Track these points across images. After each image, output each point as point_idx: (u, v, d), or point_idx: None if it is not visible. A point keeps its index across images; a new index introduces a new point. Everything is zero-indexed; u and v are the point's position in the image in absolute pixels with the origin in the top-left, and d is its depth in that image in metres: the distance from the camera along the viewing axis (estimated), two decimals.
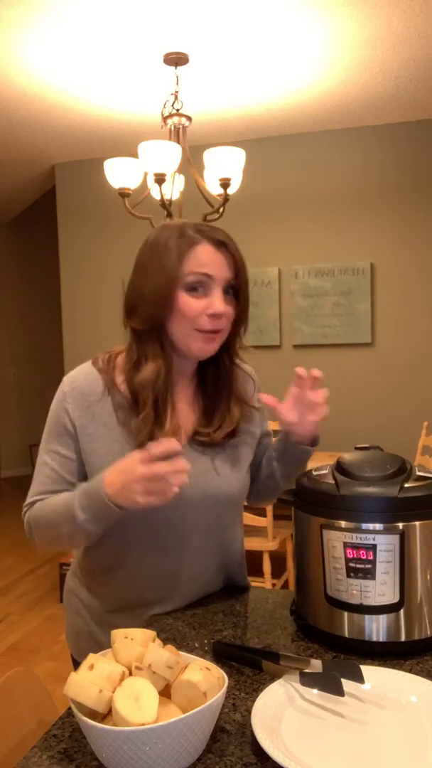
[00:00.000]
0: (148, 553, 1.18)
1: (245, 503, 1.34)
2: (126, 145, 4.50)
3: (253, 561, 2.86)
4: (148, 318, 1.12)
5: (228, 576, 1.30)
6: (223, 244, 1.11)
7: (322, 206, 4.48)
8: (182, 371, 1.20)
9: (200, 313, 1.10)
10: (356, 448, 1.16)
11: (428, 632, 1.01)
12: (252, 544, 3.08)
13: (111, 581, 1.21)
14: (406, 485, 1.02)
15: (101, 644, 1.20)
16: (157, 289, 1.11)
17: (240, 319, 1.17)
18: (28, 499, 1.17)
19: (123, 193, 3.19)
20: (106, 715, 0.76)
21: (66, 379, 1.20)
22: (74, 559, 1.32)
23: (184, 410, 1.20)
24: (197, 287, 1.10)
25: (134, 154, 3.10)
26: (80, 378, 1.18)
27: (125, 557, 1.18)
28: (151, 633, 0.87)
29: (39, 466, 1.18)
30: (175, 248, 1.10)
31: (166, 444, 0.97)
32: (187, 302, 1.10)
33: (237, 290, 1.14)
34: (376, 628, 1.00)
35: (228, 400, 1.21)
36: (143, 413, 1.12)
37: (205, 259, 1.10)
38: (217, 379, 1.21)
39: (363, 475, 1.04)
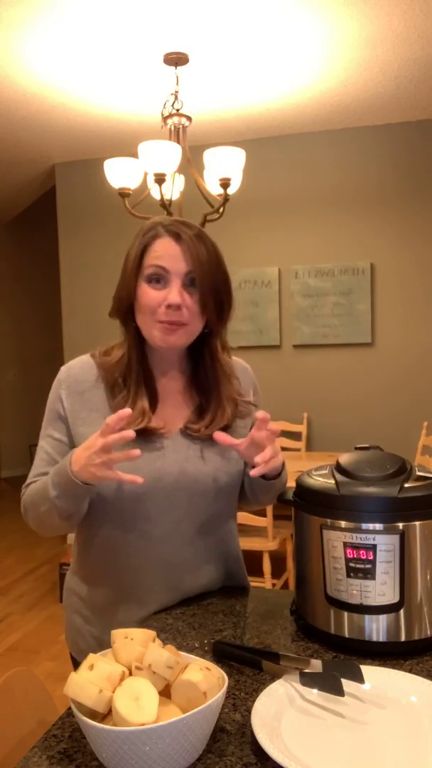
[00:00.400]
0: (144, 541, 1.19)
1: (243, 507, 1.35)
2: (126, 145, 4.50)
3: (253, 561, 2.86)
4: (119, 309, 1.20)
5: (227, 573, 1.30)
6: (179, 237, 1.14)
7: (322, 206, 4.48)
8: (166, 362, 1.23)
9: (159, 303, 1.14)
10: (356, 448, 1.16)
11: (428, 632, 1.01)
12: (252, 544, 3.08)
13: (110, 571, 1.22)
14: (406, 485, 1.02)
15: (101, 643, 1.20)
16: (124, 280, 1.18)
17: (215, 315, 1.18)
18: (25, 483, 1.24)
19: (123, 193, 3.19)
20: (106, 715, 0.76)
21: (63, 368, 1.26)
22: (74, 556, 1.32)
23: (177, 402, 1.23)
24: (156, 279, 1.14)
25: (134, 154, 3.10)
26: (76, 366, 1.24)
27: (122, 546, 1.19)
28: (151, 633, 0.87)
29: (37, 451, 1.24)
30: (137, 243, 1.16)
31: (119, 414, 1.00)
32: (146, 293, 1.15)
33: (197, 283, 1.15)
34: (376, 628, 1.00)
35: (219, 398, 1.23)
36: (116, 399, 1.18)
37: (162, 251, 1.14)
38: (206, 377, 1.24)
39: (363, 475, 1.04)
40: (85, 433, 1.17)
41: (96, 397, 1.20)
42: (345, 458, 1.10)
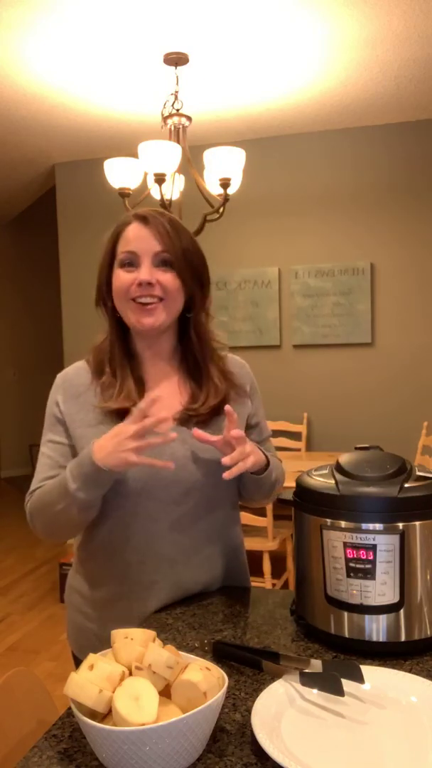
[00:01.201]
0: (145, 535, 1.19)
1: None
2: (126, 145, 4.50)
3: (253, 561, 2.86)
4: (98, 298, 1.26)
5: (228, 568, 1.30)
6: (146, 220, 1.18)
7: (322, 206, 4.48)
8: (154, 350, 1.25)
9: (131, 283, 1.17)
10: (356, 448, 1.16)
11: (428, 632, 1.01)
12: (252, 544, 3.08)
13: (111, 568, 1.22)
14: (406, 485, 1.02)
15: (102, 641, 1.20)
16: (101, 271, 1.24)
17: (195, 290, 1.22)
18: (30, 490, 1.23)
19: (123, 193, 3.19)
20: (106, 715, 0.76)
21: (59, 375, 1.29)
22: (76, 553, 1.32)
23: (171, 391, 1.24)
24: (129, 263, 1.18)
25: (134, 154, 3.10)
26: (71, 372, 1.27)
27: (123, 541, 1.20)
28: (151, 633, 0.87)
29: (39, 459, 1.25)
30: (111, 233, 1.22)
31: (150, 397, 1.05)
32: (119, 276, 1.19)
33: (171, 262, 1.18)
34: (376, 628, 1.00)
35: (209, 375, 1.24)
36: (101, 380, 1.21)
37: (132, 237, 1.18)
38: (195, 360, 1.26)
39: (363, 475, 1.04)
40: (84, 434, 1.19)
41: (91, 398, 1.22)
42: (345, 458, 1.10)
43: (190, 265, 1.19)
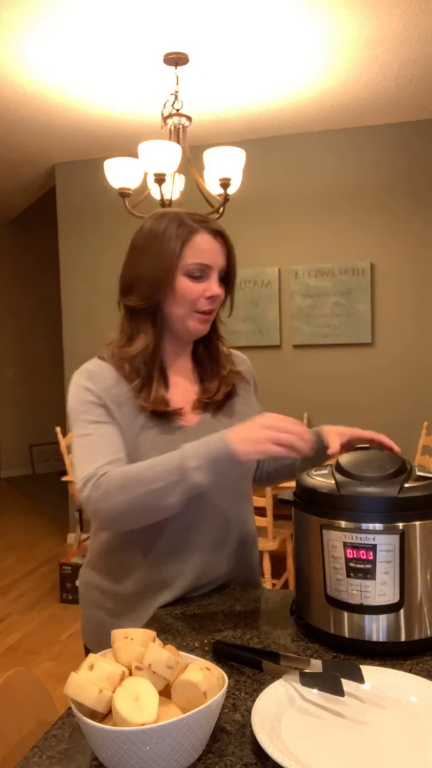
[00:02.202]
0: (174, 526, 1.20)
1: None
2: (126, 145, 4.50)
3: None
4: (147, 298, 1.21)
5: (244, 559, 1.32)
6: (219, 234, 1.22)
7: (322, 206, 4.48)
8: (177, 351, 1.29)
9: (200, 296, 1.21)
10: (356, 448, 1.16)
11: (428, 632, 1.01)
12: None
13: (140, 560, 1.23)
14: (406, 485, 1.02)
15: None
16: (157, 272, 1.20)
17: (224, 300, 1.29)
18: (94, 470, 1.11)
19: (123, 193, 3.19)
20: (106, 715, 0.76)
21: (79, 372, 1.24)
22: (92, 551, 1.34)
23: (186, 386, 1.29)
24: (197, 274, 1.20)
25: (134, 154, 3.10)
26: (93, 368, 1.24)
27: (152, 534, 1.20)
28: (151, 633, 0.87)
29: (83, 443, 1.16)
30: (174, 236, 1.19)
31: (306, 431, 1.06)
32: (188, 287, 1.20)
33: (227, 276, 1.25)
34: (376, 628, 1.00)
35: (219, 368, 1.31)
36: (134, 383, 1.20)
37: (205, 248, 1.20)
38: (209, 356, 1.32)
39: (363, 475, 1.04)
40: (125, 425, 1.19)
41: (122, 393, 1.20)
42: (345, 458, 1.10)
43: (232, 280, 1.27)
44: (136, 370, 1.21)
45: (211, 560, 1.26)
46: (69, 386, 1.23)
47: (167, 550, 1.22)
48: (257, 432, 1.03)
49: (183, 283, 1.20)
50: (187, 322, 1.22)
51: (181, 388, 1.27)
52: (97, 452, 1.14)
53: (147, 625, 1.15)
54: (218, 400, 1.27)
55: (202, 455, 1.04)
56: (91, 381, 1.20)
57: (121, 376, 1.21)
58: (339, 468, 1.08)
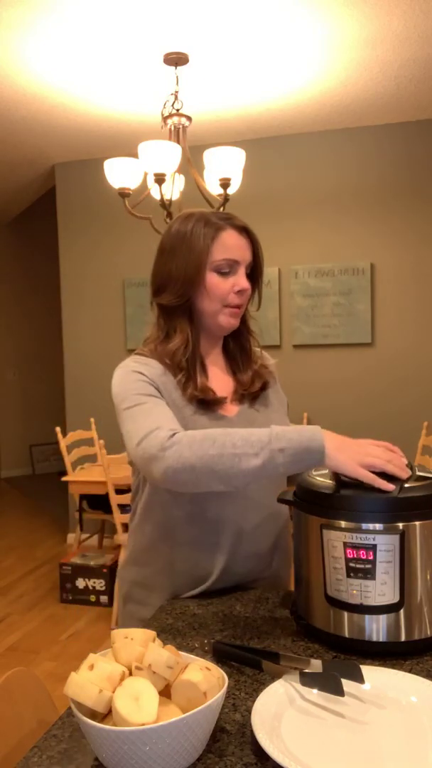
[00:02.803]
0: (219, 514, 1.25)
1: None
2: (126, 145, 4.50)
3: None
4: (179, 295, 1.26)
5: (278, 554, 1.34)
6: (245, 230, 1.26)
7: (322, 206, 4.48)
8: (211, 346, 1.34)
9: (229, 290, 1.25)
10: None
11: (428, 632, 1.01)
12: None
13: (190, 552, 1.27)
14: (406, 485, 1.02)
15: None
16: (187, 270, 1.24)
17: (252, 296, 1.33)
18: (158, 425, 1.11)
19: (123, 193, 3.19)
20: (106, 715, 0.76)
21: (123, 365, 1.26)
22: (128, 550, 1.36)
23: (222, 378, 1.34)
24: (225, 270, 1.25)
25: (134, 154, 3.10)
26: (140, 359, 1.27)
27: (200, 523, 1.25)
28: (151, 633, 0.87)
29: (143, 408, 1.16)
30: (202, 235, 1.23)
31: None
32: (217, 283, 1.25)
33: (254, 270, 1.30)
34: (376, 628, 1.00)
35: (251, 362, 1.37)
36: (178, 377, 1.25)
37: (232, 244, 1.24)
38: (241, 349, 1.37)
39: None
40: (174, 409, 1.22)
41: (170, 381, 1.25)
42: None
43: (259, 274, 1.31)
44: (177, 364, 1.25)
45: (250, 548, 1.28)
46: (113, 379, 1.25)
47: (208, 542, 1.26)
48: (355, 449, 1.02)
49: (212, 279, 1.24)
50: (218, 317, 1.27)
51: (220, 380, 1.33)
52: (156, 415, 1.14)
53: (147, 626, 1.15)
54: (254, 392, 1.32)
55: (291, 440, 1.03)
56: (141, 368, 1.24)
57: (166, 369, 1.26)
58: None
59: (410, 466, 1.08)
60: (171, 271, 1.25)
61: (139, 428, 1.12)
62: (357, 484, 1.02)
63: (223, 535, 1.26)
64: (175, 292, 1.25)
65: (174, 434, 1.09)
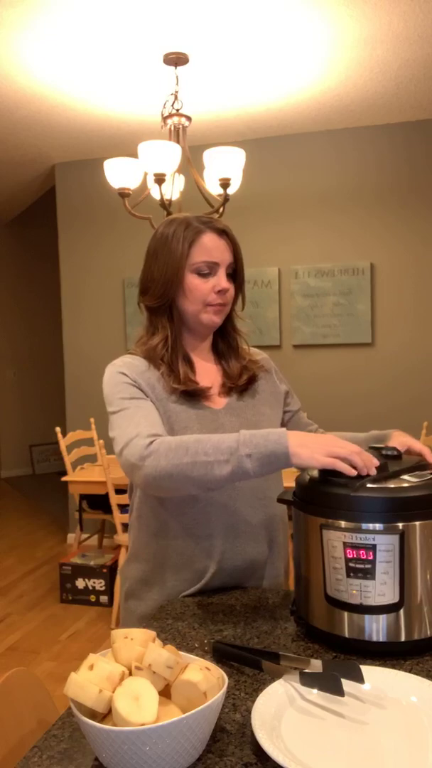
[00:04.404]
0: (211, 507, 1.27)
1: None
2: (126, 145, 4.50)
3: None
4: (160, 296, 1.31)
5: (272, 550, 1.34)
6: (224, 233, 1.30)
7: (321, 206, 4.48)
8: (197, 341, 1.37)
9: (209, 291, 1.29)
10: (371, 448, 1.16)
11: (428, 632, 1.01)
12: None
13: (186, 545, 1.28)
14: (405, 485, 1.02)
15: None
16: (168, 272, 1.29)
17: (236, 295, 1.37)
18: (137, 432, 1.16)
19: (123, 193, 3.19)
20: (106, 715, 0.76)
21: (111, 365, 1.32)
22: (129, 547, 1.38)
23: (209, 371, 1.37)
24: (205, 271, 1.29)
25: (134, 154, 3.10)
26: (126, 359, 1.33)
27: (192, 515, 1.28)
28: (151, 633, 0.87)
29: (125, 414, 1.22)
30: (182, 238, 1.28)
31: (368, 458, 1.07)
32: (197, 284, 1.29)
33: (235, 271, 1.33)
34: (376, 628, 1.00)
35: (239, 357, 1.40)
36: (161, 369, 1.30)
37: (211, 247, 1.28)
38: (228, 347, 1.41)
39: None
40: (159, 405, 1.28)
41: (153, 376, 1.30)
42: None
43: (241, 276, 1.35)
44: (160, 357, 1.31)
45: (246, 544, 1.30)
46: (103, 377, 1.31)
47: (201, 533, 1.27)
48: (318, 442, 1.05)
49: (192, 281, 1.29)
50: (200, 315, 1.31)
51: (207, 373, 1.36)
52: (137, 420, 1.21)
53: (147, 626, 1.15)
54: (241, 385, 1.36)
55: (257, 445, 1.07)
56: (124, 368, 1.30)
57: (150, 364, 1.31)
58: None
59: (385, 467, 1.06)
60: (153, 273, 1.31)
61: (122, 436, 1.19)
62: (324, 479, 1.04)
63: (215, 527, 1.27)
64: (156, 294, 1.31)
65: (152, 442, 1.14)
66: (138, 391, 1.27)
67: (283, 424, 1.46)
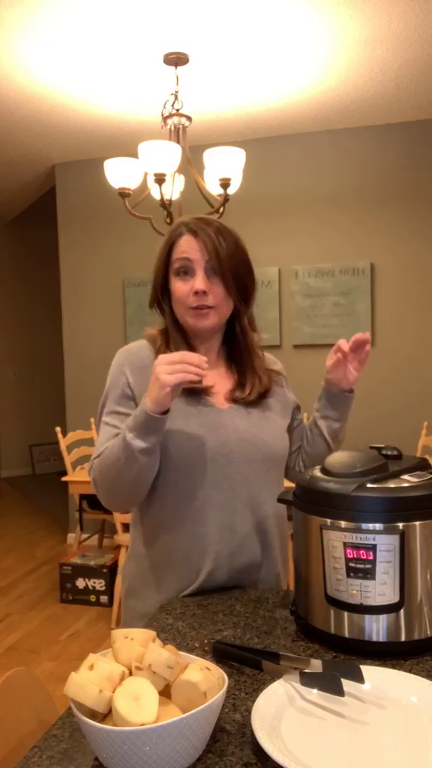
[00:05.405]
0: (209, 506, 1.27)
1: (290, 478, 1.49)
2: (126, 145, 4.50)
3: None
4: (155, 298, 1.36)
5: (269, 550, 1.34)
6: (196, 233, 1.29)
7: (322, 206, 4.48)
8: (206, 346, 1.36)
9: (188, 293, 1.29)
10: (371, 448, 1.16)
11: (428, 632, 1.01)
12: None
13: (179, 544, 1.29)
14: (405, 485, 1.02)
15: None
16: (157, 276, 1.34)
17: (239, 297, 1.33)
18: (93, 457, 1.30)
19: (123, 193, 3.19)
20: (106, 715, 0.76)
21: (121, 350, 1.37)
22: (132, 544, 1.39)
23: (221, 379, 1.36)
24: (183, 271, 1.29)
25: (134, 154, 3.10)
26: (134, 347, 1.36)
27: (188, 514, 1.28)
28: (151, 633, 0.87)
29: (102, 429, 1.32)
30: (166, 240, 1.32)
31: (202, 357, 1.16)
32: (179, 286, 1.30)
33: (217, 271, 1.29)
34: (376, 628, 1.00)
35: (254, 368, 1.38)
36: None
37: (185, 246, 1.29)
38: (240, 353, 1.39)
39: (354, 472, 1.04)
40: None
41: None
42: (338, 458, 1.10)
43: (234, 274, 1.30)
44: (165, 343, 1.33)
45: (242, 544, 1.30)
46: (113, 361, 1.35)
47: (198, 533, 1.27)
48: (153, 381, 1.14)
49: (175, 284, 1.31)
50: (186, 318, 1.32)
51: (211, 375, 1.34)
52: (103, 439, 1.29)
53: (147, 626, 1.15)
54: (250, 400, 1.34)
55: (132, 426, 1.18)
56: (128, 360, 1.33)
57: (159, 351, 1.31)
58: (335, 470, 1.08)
59: (385, 467, 1.07)
60: (153, 275, 1.36)
61: (93, 455, 1.30)
62: (355, 482, 1.03)
63: (212, 526, 1.27)
64: (155, 296, 1.36)
65: (91, 471, 1.29)
66: (127, 402, 1.30)
67: (291, 431, 1.46)
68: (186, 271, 1.29)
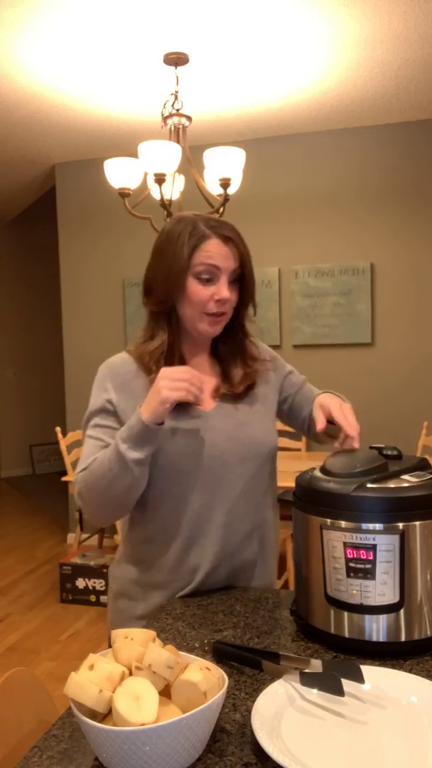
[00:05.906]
0: (204, 509, 1.26)
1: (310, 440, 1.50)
2: (126, 145, 4.50)
3: None
4: (162, 300, 1.28)
5: (264, 552, 1.34)
6: (229, 239, 1.26)
7: (322, 206, 4.48)
8: (194, 350, 1.35)
9: (209, 299, 1.25)
10: (371, 448, 1.16)
11: (428, 632, 1.01)
12: None
13: (174, 545, 1.28)
14: (405, 485, 1.02)
15: None
16: (170, 275, 1.26)
17: (245, 301, 1.33)
18: (79, 470, 1.26)
19: (123, 193, 3.19)
20: (106, 715, 0.76)
21: (103, 365, 1.35)
22: (122, 546, 1.38)
23: (206, 376, 1.34)
24: (206, 276, 1.25)
25: (134, 154, 3.10)
26: (116, 361, 1.34)
27: (184, 517, 1.27)
28: (151, 633, 0.87)
29: (86, 442, 1.29)
30: (187, 241, 1.24)
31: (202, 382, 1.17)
32: (197, 290, 1.25)
33: (241, 279, 1.29)
34: (376, 628, 1.00)
35: (243, 361, 1.37)
36: (151, 375, 1.26)
37: (213, 252, 1.24)
38: (230, 349, 1.37)
39: (354, 472, 1.04)
40: None
41: (139, 386, 1.29)
42: (337, 460, 1.10)
43: (249, 282, 1.30)
44: (155, 362, 1.28)
45: (240, 544, 1.29)
46: (96, 375, 1.34)
47: (195, 534, 1.27)
48: (154, 393, 1.15)
49: (193, 287, 1.25)
50: (197, 323, 1.28)
51: (199, 368, 1.33)
52: (88, 452, 1.26)
53: (147, 625, 1.15)
54: (239, 393, 1.33)
55: (126, 437, 1.17)
56: (110, 377, 1.31)
57: (141, 368, 1.30)
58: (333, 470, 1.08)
59: (385, 467, 1.07)
60: (157, 274, 1.28)
61: (78, 468, 1.27)
62: (355, 482, 1.03)
63: (208, 527, 1.27)
64: (159, 297, 1.28)
65: (76, 485, 1.25)
66: (110, 418, 1.28)
67: (283, 413, 1.46)
68: (210, 278, 1.25)
